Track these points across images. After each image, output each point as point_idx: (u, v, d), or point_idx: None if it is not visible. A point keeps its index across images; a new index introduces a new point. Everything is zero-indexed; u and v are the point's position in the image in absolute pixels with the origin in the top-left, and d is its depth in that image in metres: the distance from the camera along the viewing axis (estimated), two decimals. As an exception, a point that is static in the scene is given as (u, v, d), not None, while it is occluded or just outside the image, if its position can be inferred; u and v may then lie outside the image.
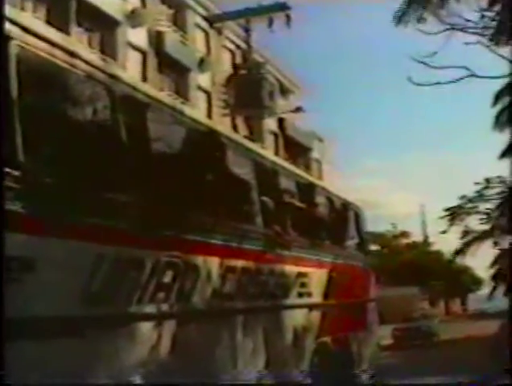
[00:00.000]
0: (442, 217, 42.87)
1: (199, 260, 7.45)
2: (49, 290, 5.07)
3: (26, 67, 5.22)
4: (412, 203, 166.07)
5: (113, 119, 6.35)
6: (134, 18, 29.33)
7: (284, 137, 44.32)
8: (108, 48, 27.58)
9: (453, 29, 18.57)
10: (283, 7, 27.46)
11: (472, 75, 19.19)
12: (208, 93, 35.87)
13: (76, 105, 5.98)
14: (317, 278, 11.05)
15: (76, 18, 25.31)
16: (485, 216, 39.44)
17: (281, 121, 43.24)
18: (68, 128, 5.79)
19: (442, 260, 63.33)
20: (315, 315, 10.76)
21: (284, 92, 45.62)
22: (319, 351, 10.48)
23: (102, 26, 27.68)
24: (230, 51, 39.55)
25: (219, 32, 37.60)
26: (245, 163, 9.22)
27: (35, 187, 5.12)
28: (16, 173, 4.91)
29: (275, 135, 43.69)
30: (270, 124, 41.37)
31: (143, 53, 30.55)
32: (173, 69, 32.62)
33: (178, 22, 34.50)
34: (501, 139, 29.36)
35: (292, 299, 9.97)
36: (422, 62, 18.21)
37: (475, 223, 40.86)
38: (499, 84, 25.60)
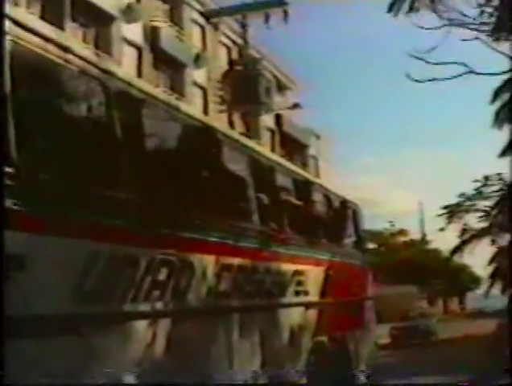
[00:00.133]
0: (440, 215, 43.00)
1: (194, 257, 7.44)
2: (41, 288, 5.06)
3: (19, 62, 5.20)
4: (410, 201, 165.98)
5: (108, 115, 6.34)
6: (129, 13, 29.26)
7: (281, 133, 44.31)
8: (103, 44, 27.54)
9: (451, 25, 18.58)
10: (281, 3, 27.49)
11: (471, 71, 19.20)
12: (204, 89, 35.85)
13: (70, 101, 5.98)
14: (314, 276, 11.06)
15: (71, 13, 25.26)
16: (483, 214, 39.53)
17: (278, 118, 43.25)
18: (61, 124, 5.79)
19: (440, 258, 63.36)
20: (312, 314, 10.76)
21: (281, 88, 45.58)
22: (315, 350, 10.49)
23: (97, 22, 27.65)
24: (227, 46, 39.53)
25: (215, 28, 37.59)
26: (241, 160, 9.22)
27: (28, 184, 5.11)
28: (9, 170, 4.90)
29: (272, 132, 43.68)
30: (267, 120, 41.37)
31: (138, 49, 30.51)
32: (169, 65, 32.60)
33: (174, 18, 34.46)
34: (500, 136, 29.36)
35: (289, 297, 9.98)
36: (420, 58, 18.22)
37: (474, 221, 40.99)
38: (499, 80, 25.61)
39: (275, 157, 11.89)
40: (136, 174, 6.54)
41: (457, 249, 42.08)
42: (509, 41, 17.97)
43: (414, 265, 63.24)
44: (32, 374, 4.86)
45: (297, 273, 10.29)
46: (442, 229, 43.38)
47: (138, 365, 6.20)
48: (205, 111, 33.55)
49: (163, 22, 32.91)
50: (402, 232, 75.00)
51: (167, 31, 32.52)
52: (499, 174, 36.63)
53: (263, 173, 9.86)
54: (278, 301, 9.65)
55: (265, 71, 33.84)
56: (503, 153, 29.06)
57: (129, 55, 29.50)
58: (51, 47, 5.72)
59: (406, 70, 18.10)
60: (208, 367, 7.48)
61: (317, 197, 12.29)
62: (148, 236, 6.56)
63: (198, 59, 35.10)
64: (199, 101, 35.01)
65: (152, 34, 31.12)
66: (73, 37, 22.18)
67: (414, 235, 74.59)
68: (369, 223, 55.25)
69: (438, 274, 65.69)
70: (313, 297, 10.96)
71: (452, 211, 42.38)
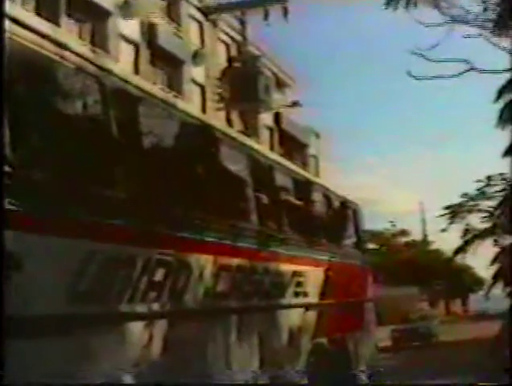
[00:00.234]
0: (442, 215, 43.02)
1: (192, 258, 7.45)
2: (35, 288, 5.06)
3: (14, 59, 5.21)
4: (412, 201, 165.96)
5: (104, 113, 6.35)
6: (126, 8, 29.23)
7: (280, 132, 44.29)
8: (99, 40, 27.52)
9: (454, 21, 18.57)
10: (280, -1, 27.44)
11: (474, 69, 19.18)
12: (202, 87, 35.84)
13: (66, 99, 5.99)
14: (314, 277, 11.07)
15: (67, 8, 25.26)
16: (486, 214, 39.54)
17: (277, 116, 43.20)
18: (56, 122, 5.79)
19: (442, 259, 63.39)
20: (312, 315, 10.78)
21: (280, 85, 45.57)
22: (315, 352, 10.50)
23: (93, 17, 27.62)
24: (225, 43, 39.52)
25: (214, 24, 37.58)
26: (239, 159, 9.23)
27: (23, 182, 5.12)
28: (4, 168, 4.90)
29: (271, 130, 43.68)
30: (266, 118, 41.37)
31: (135, 45, 30.48)
32: (166, 62, 32.58)
33: (171, 14, 34.45)
34: (503, 136, 29.39)
35: (288, 299, 9.99)
36: (421, 55, 18.20)
37: (476, 221, 40.99)
38: (502, 79, 25.59)
39: (274, 156, 11.91)
40: (132, 172, 6.55)
41: (460, 250, 42.10)
42: (510, 37, 17.95)
43: (415, 266, 63.28)
44: (30, 374, 4.88)
45: (296, 273, 10.30)
46: (444, 230, 43.40)
47: (135, 366, 6.21)
48: (203, 109, 33.55)
49: (161, 18, 32.90)
50: (403, 233, 75.07)
51: (164, 28, 32.51)
52: (502, 174, 36.63)
53: (262, 172, 9.87)
54: (277, 303, 9.66)
55: (264, 68, 33.82)
56: (506, 153, 29.06)
57: (126, 52, 29.48)
58: (46, 43, 5.72)
59: (407, 68, 18.03)
60: (206, 369, 7.49)
61: (317, 197, 12.31)
62: (145, 235, 6.57)
63: (196, 56, 35.09)
64: (197, 99, 35.01)
65: (149, 31, 31.09)
66: (69, 33, 22.19)
67: (416, 235, 74.73)
68: (369, 224, 55.38)
69: (440, 275, 65.72)
70: (313, 298, 10.97)
71: (454, 212, 42.40)
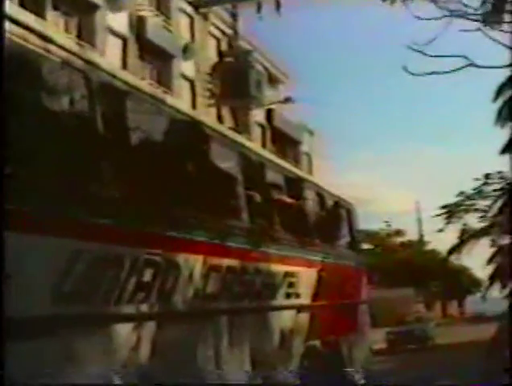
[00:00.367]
0: (438, 215, 43.10)
1: (180, 257, 7.45)
2: (20, 289, 5.05)
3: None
4: (407, 200, 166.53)
5: (90, 109, 6.33)
6: (114, 1, 29.19)
7: (272, 129, 44.33)
8: (86, 33, 27.47)
9: (452, 15, 18.59)
10: (273, -9, 27.45)
11: (472, 64, 19.21)
12: (192, 82, 35.82)
13: (51, 94, 5.97)
14: (306, 278, 11.07)
15: (52, 1, 25.22)
16: (484, 214, 39.62)
17: (269, 112, 43.27)
18: (40, 118, 5.78)
19: (438, 259, 63.51)
20: (304, 317, 10.78)
21: (273, 81, 45.59)
22: (307, 355, 10.51)
23: (80, 10, 27.57)
24: (216, 37, 39.48)
25: (204, 17, 37.55)
26: (230, 156, 9.23)
27: (5, 179, 5.09)
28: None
29: (263, 127, 43.70)
30: (258, 115, 41.40)
31: (123, 39, 30.44)
32: (155, 56, 32.55)
33: (161, 7, 34.41)
34: (502, 134, 29.54)
35: (280, 300, 10.00)
36: (418, 51, 18.22)
37: (473, 221, 41.08)
38: (501, 75, 25.68)
39: (266, 153, 11.92)
40: (119, 170, 6.55)
41: (454, 249, 42.18)
42: (509, 32, 18.00)
43: (411, 267, 63.39)
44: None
45: (288, 274, 10.31)
46: (440, 230, 43.46)
47: (124, 369, 6.21)
48: (193, 105, 33.54)
49: (150, 11, 32.87)
50: (398, 233, 75.17)
51: (153, 21, 32.47)
52: (500, 172, 36.72)
53: (253, 170, 9.87)
54: (268, 304, 9.67)
55: (256, 63, 33.89)
56: (504, 151, 29.18)
57: (113, 46, 29.43)
58: (31, 36, 5.71)
59: (403, 63, 18.04)
60: (195, 372, 7.48)
61: (310, 195, 12.31)
62: (132, 234, 6.57)
63: (186, 51, 35.05)
64: (186, 94, 34.99)
65: (138, 24, 31.06)
66: (55, 26, 22.14)
67: (412, 235, 74.87)
68: (364, 223, 55.44)
69: (436, 276, 65.88)
70: (305, 299, 10.97)
71: (451, 211, 42.46)
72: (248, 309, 8.97)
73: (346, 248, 14.32)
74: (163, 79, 32.82)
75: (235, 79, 27.54)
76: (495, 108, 29.87)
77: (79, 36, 26.82)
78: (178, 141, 8.05)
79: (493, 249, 37.25)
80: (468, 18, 17.90)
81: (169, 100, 8.48)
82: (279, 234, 10.22)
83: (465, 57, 18.57)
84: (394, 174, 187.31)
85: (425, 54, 17.51)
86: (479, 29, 17.94)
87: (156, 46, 32.08)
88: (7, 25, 5.41)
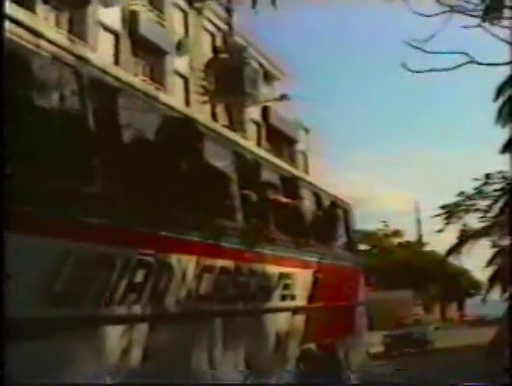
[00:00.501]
0: (438, 215, 43.07)
1: (174, 258, 7.46)
2: (10, 291, 5.05)
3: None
4: (406, 200, 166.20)
5: (81, 105, 6.33)
6: (105, -5, 29.18)
7: (267, 126, 44.31)
8: (77, 28, 27.41)
9: (452, 11, 18.60)
10: (269, -14, 27.41)
11: (472, 61, 19.23)
12: (185, 79, 35.79)
13: (41, 90, 5.97)
14: (302, 279, 11.08)
15: (43, -6, 25.19)
16: (484, 214, 39.61)
17: (264, 110, 43.24)
18: (30, 114, 5.78)
19: (437, 261, 63.52)
20: (300, 319, 10.80)
21: (268, 78, 45.59)
22: (303, 358, 10.53)
23: (71, 5, 27.52)
24: (210, 33, 39.46)
25: (199, 12, 37.54)
26: (224, 155, 9.24)
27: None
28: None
29: (258, 125, 43.68)
30: (253, 112, 41.37)
31: (116, 34, 30.41)
32: (148, 52, 32.52)
33: (154, 1, 34.35)
34: (502, 133, 29.56)
35: (275, 302, 10.00)
36: (417, 48, 18.24)
37: (473, 221, 41.05)
38: (502, 74, 25.67)
39: (261, 151, 11.93)
40: (111, 168, 6.55)
41: (453, 249, 42.13)
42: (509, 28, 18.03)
43: (409, 268, 63.39)
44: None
45: (284, 275, 10.32)
46: (440, 230, 43.41)
47: (116, 371, 6.23)
48: (187, 102, 33.52)
49: (143, 5, 32.83)
50: (396, 233, 75.13)
51: (146, 16, 32.44)
52: (501, 171, 36.73)
53: (248, 169, 9.88)
54: (263, 306, 9.67)
55: (251, 60, 33.89)
56: (504, 150, 29.21)
57: (105, 41, 29.40)
58: (21, 31, 5.71)
59: (402, 60, 18.05)
60: (188, 375, 7.50)
61: (306, 195, 12.33)
62: (124, 234, 6.57)
63: (180, 47, 35.01)
64: (180, 91, 34.96)
65: (130, 19, 31.01)
66: (45, 21, 22.12)
67: (410, 236, 74.84)
68: (361, 223, 55.46)
69: (435, 278, 65.86)
70: (301, 301, 10.98)
71: (451, 211, 42.42)
72: (242, 311, 8.98)
73: (343, 248, 14.33)
74: (156, 75, 32.78)
75: (230, 75, 27.55)
76: (495, 106, 29.88)
77: (70, 31, 26.76)
78: (171, 139, 8.05)
79: (493, 250, 37.26)
80: (469, 14, 17.93)
81: (162, 96, 8.49)
82: (274, 234, 10.22)
83: (466, 54, 18.63)
84: (392, 173, 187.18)
85: (425, 51, 17.54)
86: (479, 25, 17.97)
87: (149, 41, 32.04)
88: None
